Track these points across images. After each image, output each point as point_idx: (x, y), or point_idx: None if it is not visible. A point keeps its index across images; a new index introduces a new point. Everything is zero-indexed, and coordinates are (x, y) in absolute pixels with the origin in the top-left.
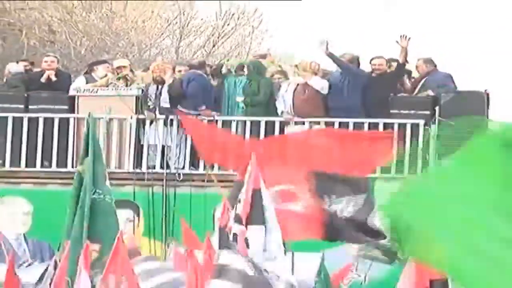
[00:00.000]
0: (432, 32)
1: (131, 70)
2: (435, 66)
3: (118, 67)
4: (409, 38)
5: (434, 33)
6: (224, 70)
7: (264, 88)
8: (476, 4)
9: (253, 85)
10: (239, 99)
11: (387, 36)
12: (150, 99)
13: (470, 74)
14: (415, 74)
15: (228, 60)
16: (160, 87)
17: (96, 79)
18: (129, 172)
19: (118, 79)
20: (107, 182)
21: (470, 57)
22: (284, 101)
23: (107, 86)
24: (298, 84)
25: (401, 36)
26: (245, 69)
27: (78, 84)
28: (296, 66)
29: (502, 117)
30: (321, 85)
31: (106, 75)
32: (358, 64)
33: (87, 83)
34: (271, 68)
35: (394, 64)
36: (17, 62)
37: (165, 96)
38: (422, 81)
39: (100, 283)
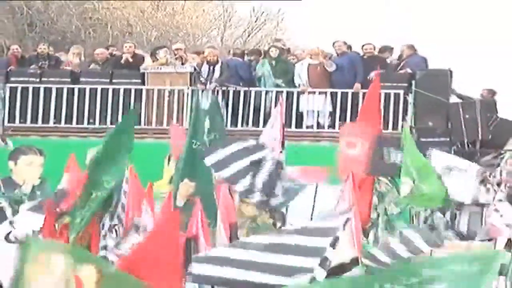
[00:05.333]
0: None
1: (185, 52)
2: (415, 50)
3: (176, 49)
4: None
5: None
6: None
7: (291, 70)
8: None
9: (279, 67)
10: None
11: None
12: (202, 76)
13: (438, 56)
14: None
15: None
16: (212, 67)
17: (159, 60)
18: (186, 129)
19: (176, 59)
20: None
21: (441, 42)
22: (300, 77)
23: (168, 65)
24: (309, 64)
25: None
26: (272, 54)
27: (146, 63)
28: (310, 51)
29: (461, 87)
30: (333, 66)
31: (165, 56)
32: (350, 49)
33: (152, 62)
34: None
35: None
36: (107, 49)
37: (216, 74)
38: (404, 61)
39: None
